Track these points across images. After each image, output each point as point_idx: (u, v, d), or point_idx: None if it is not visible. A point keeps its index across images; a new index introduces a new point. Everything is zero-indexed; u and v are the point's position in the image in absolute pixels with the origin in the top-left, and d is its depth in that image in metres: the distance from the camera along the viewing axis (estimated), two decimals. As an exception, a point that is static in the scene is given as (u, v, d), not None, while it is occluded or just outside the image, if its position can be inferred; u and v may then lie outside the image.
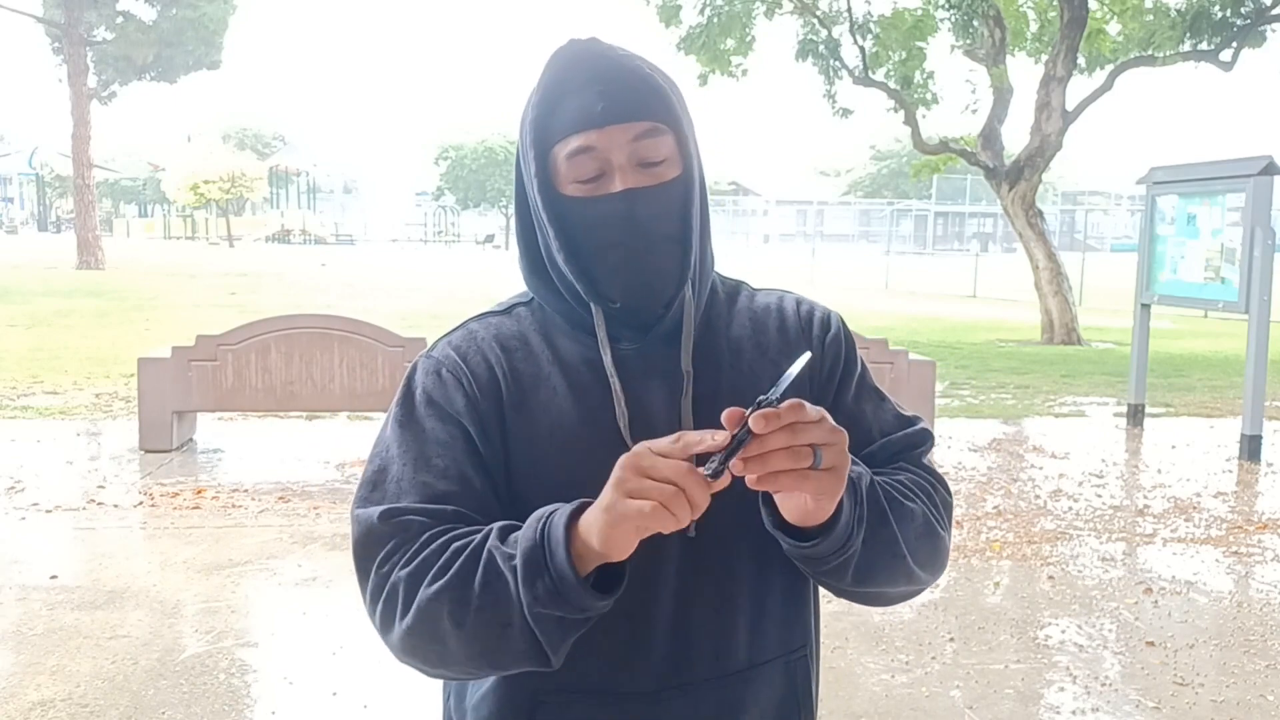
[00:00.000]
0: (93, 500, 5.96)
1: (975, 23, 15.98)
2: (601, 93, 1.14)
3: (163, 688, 3.62)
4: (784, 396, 0.97)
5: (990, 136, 16.30)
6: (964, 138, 16.88)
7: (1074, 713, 3.56)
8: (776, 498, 1.04)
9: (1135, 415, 8.70)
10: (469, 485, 1.14)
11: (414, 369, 1.22)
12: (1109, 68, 16.23)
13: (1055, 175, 49.16)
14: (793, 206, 69.73)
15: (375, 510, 1.13)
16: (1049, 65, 15.37)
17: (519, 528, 1.08)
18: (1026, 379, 11.45)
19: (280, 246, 44.77)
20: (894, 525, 1.14)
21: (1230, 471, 7.17)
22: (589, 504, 1.03)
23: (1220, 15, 15.21)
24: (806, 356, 1.02)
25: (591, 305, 1.18)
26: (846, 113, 17.10)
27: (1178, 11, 15.79)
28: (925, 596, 4.49)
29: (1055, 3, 15.64)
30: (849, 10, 16.65)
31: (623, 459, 0.98)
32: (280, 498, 6.06)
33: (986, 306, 22.22)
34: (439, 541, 1.09)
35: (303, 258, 33.32)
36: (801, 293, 1.34)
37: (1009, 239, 39.14)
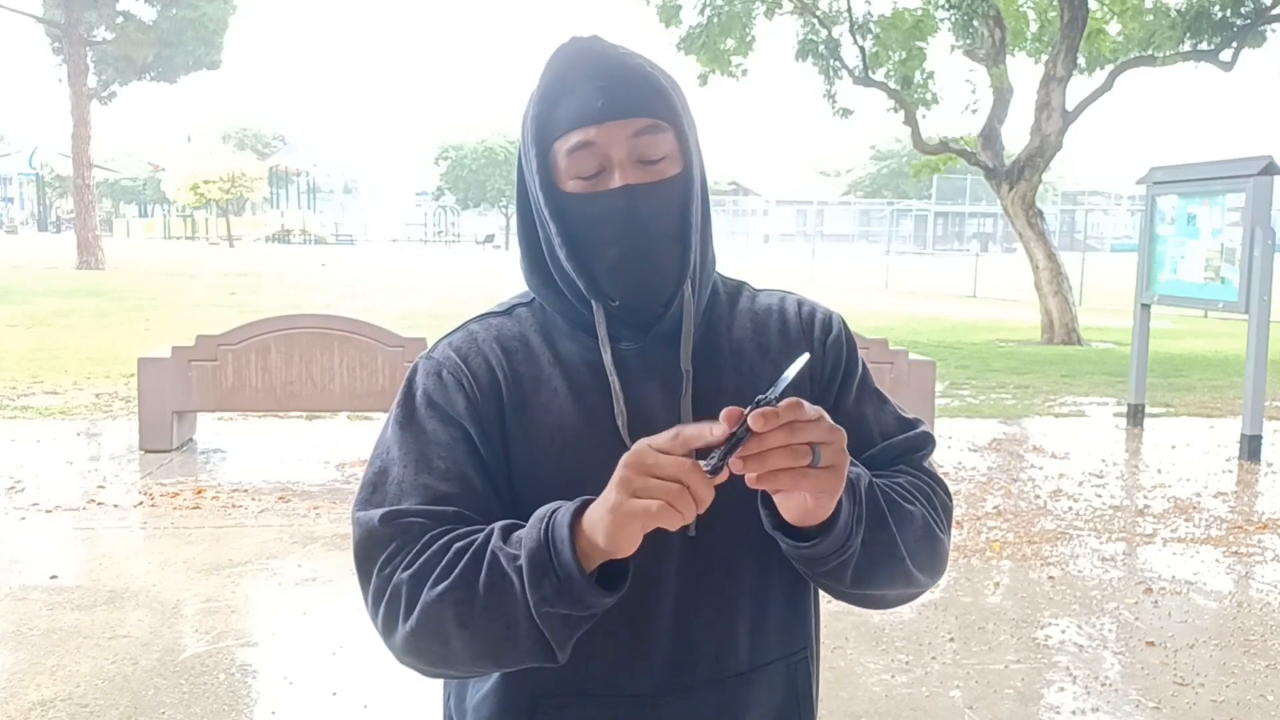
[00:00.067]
0: (93, 500, 5.96)
1: (975, 23, 15.98)
2: (602, 89, 1.14)
3: (163, 688, 3.62)
4: (783, 396, 0.97)
5: (990, 136, 16.30)
6: (964, 138, 16.88)
7: (1074, 713, 3.56)
8: (776, 498, 1.04)
9: (1135, 415, 8.70)
10: (470, 487, 1.14)
11: (414, 370, 1.22)
12: (1109, 68, 16.23)
13: (1055, 175, 49.16)
14: (793, 206, 69.73)
15: (376, 513, 1.13)
16: (1049, 65, 15.37)
17: (521, 527, 1.08)
18: (1026, 379, 11.45)
19: (280, 246, 44.77)
20: (893, 527, 1.14)
21: (1230, 471, 7.18)
22: (591, 501, 1.03)
23: (1220, 15, 15.21)
24: (805, 357, 1.02)
25: (592, 303, 1.17)
26: (846, 113, 17.11)
27: (1178, 11, 15.79)
28: (925, 596, 4.48)
29: (1055, 3, 15.64)
30: (849, 10, 16.65)
31: (625, 458, 0.98)
32: (280, 498, 6.06)
33: (986, 306, 22.23)
34: (440, 543, 1.09)
35: (303, 258, 33.32)
36: (802, 293, 1.34)
37: (1009, 239, 39.14)
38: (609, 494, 0.99)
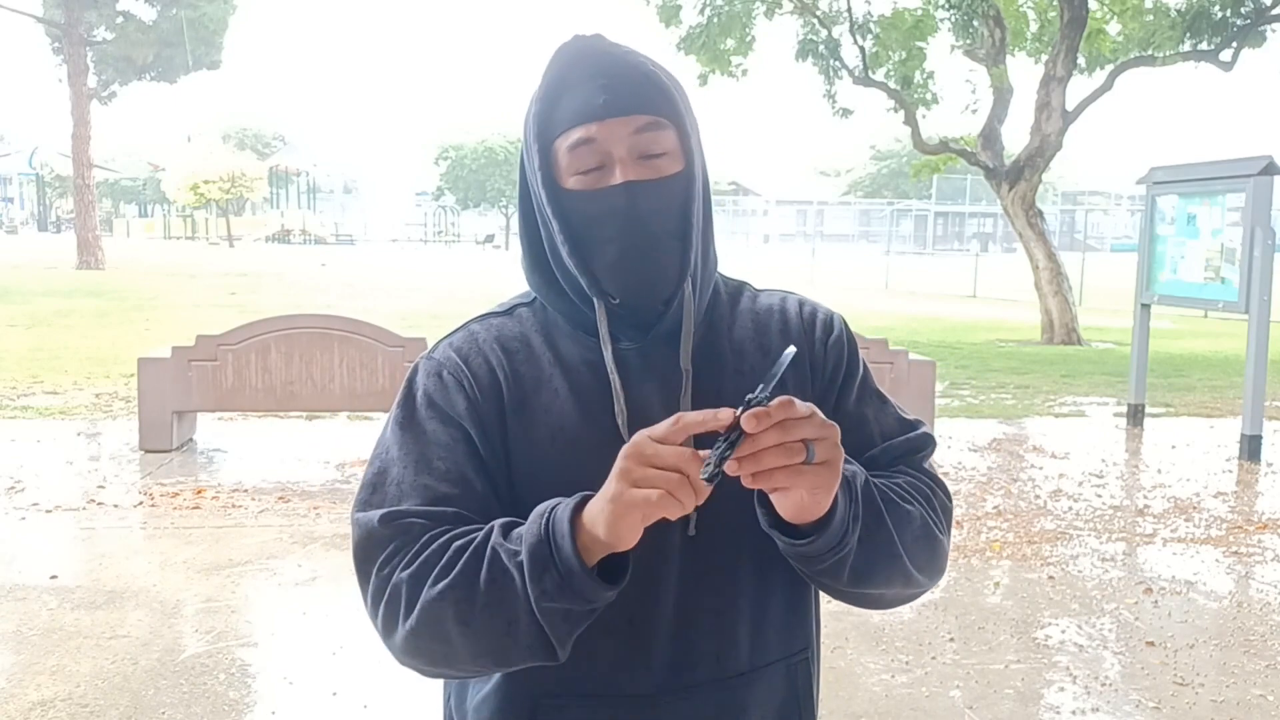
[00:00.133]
0: (93, 500, 5.96)
1: (975, 23, 15.98)
2: (604, 86, 1.14)
3: (163, 688, 3.62)
4: (774, 393, 0.97)
5: (990, 136, 16.30)
6: (964, 138, 16.88)
7: (1074, 713, 3.56)
8: (773, 496, 1.04)
9: (1135, 415, 8.70)
10: (470, 487, 1.14)
11: (415, 370, 1.22)
12: (1109, 68, 16.23)
13: (1055, 175, 49.16)
14: (793, 206, 69.73)
15: (375, 514, 1.13)
16: (1049, 65, 15.37)
17: (520, 524, 1.08)
18: (1026, 379, 11.45)
19: (280, 246, 44.77)
20: (890, 525, 1.14)
21: (1230, 471, 7.18)
22: (590, 496, 1.03)
23: (1220, 15, 15.21)
24: (792, 351, 1.03)
25: (594, 301, 1.17)
26: (846, 113, 17.11)
27: (1178, 11, 15.79)
28: (925, 596, 4.49)
29: (1055, 3, 15.64)
30: (849, 10, 16.65)
31: (625, 449, 0.99)
32: (280, 498, 6.06)
33: (986, 306, 22.23)
34: (439, 542, 1.09)
35: (303, 258, 33.33)
36: (803, 293, 1.34)
37: (1009, 239, 39.14)
38: (609, 485, 0.99)
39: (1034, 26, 17.42)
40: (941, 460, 7.10)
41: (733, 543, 1.18)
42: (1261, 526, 5.83)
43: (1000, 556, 5.23)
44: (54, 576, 4.73)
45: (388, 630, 1.11)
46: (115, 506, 5.86)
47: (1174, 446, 7.93)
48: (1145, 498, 6.46)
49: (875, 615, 4.19)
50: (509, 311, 1.26)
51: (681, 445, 0.97)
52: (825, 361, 1.26)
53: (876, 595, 1.19)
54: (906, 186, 57.45)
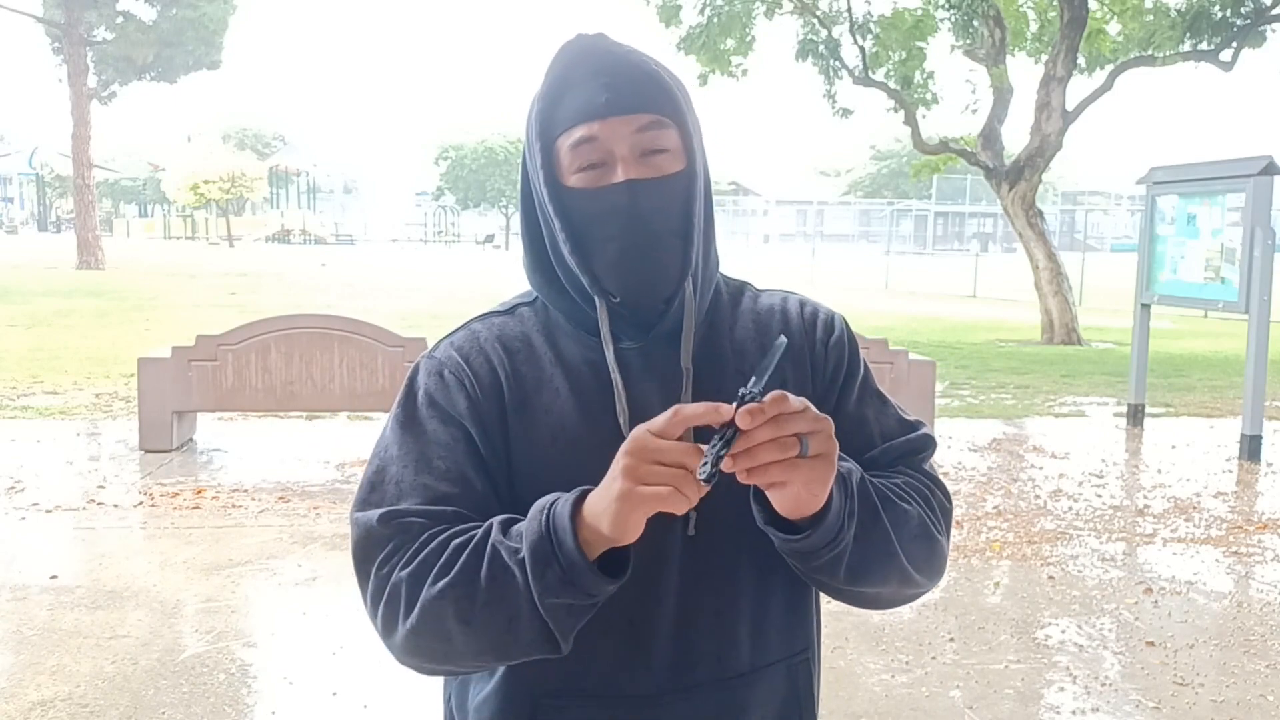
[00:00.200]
0: (93, 500, 5.96)
1: (975, 23, 15.98)
2: (606, 85, 1.14)
3: (163, 688, 3.62)
4: (767, 386, 0.98)
5: (990, 136, 16.30)
6: (964, 138, 16.88)
7: (1074, 713, 3.56)
8: (768, 492, 1.04)
9: (1135, 415, 8.70)
10: (470, 487, 1.14)
11: (416, 369, 1.22)
12: (1109, 68, 16.23)
13: (1055, 175, 49.16)
14: (793, 206, 69.73)
15: (374, 513, 1.13)
16: (1049, 65, 15.37)
17: (519, 520, 1.08)
18: (1026, 379, 11.45)
19: (280, 246, 44.77)
20: (886, 522, 1.14)
21: (1230, 471, 7.18)
22: (589, 490, 1.03)
23: (1220, 15, 15.21)
24: (783, 342, 1.03)
25: (596, 300, 1.17)
26: (846, 113, 17.11)
27: (1178, 11, 15.79)
28: (925, 596, 4.49)
29: (1055, 3, 15.64)
30: (849, 10, 16.65)
31: (626, 445, 0.99)
32: (280, 498, 6.06)
33: (986, 306, 22.23)
34: (438, 540, 1.10)
35: (303, 258, 33.33)
36: (804, 294, 1.34)
37: (1009, 239, 39.14)
38: (614, 482, 0.99)
39: (1034, 26, 17.43)
40: (941, 460, 7.10)
41: (733, 543, 1.18)
42: (1261, 526, 5.83)
43: (1000, 556, 5.23)
44: (54, 576, 4.73)
45: (388, 629, 1.11)
46: (115, 506, 5.86)
47: (1174, 446, 7.93)
48: (1145, 498, 6.46)
49: (875, 615, 4.19)
50: (510, 311, 1.26)
51: (680, 438, 0.98)
52: (826, 362, 1.26)
53: (874, 594, 1.19)
54: (906, 186, 57.45)
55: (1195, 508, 6.18)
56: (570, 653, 1.09)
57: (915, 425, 1.29)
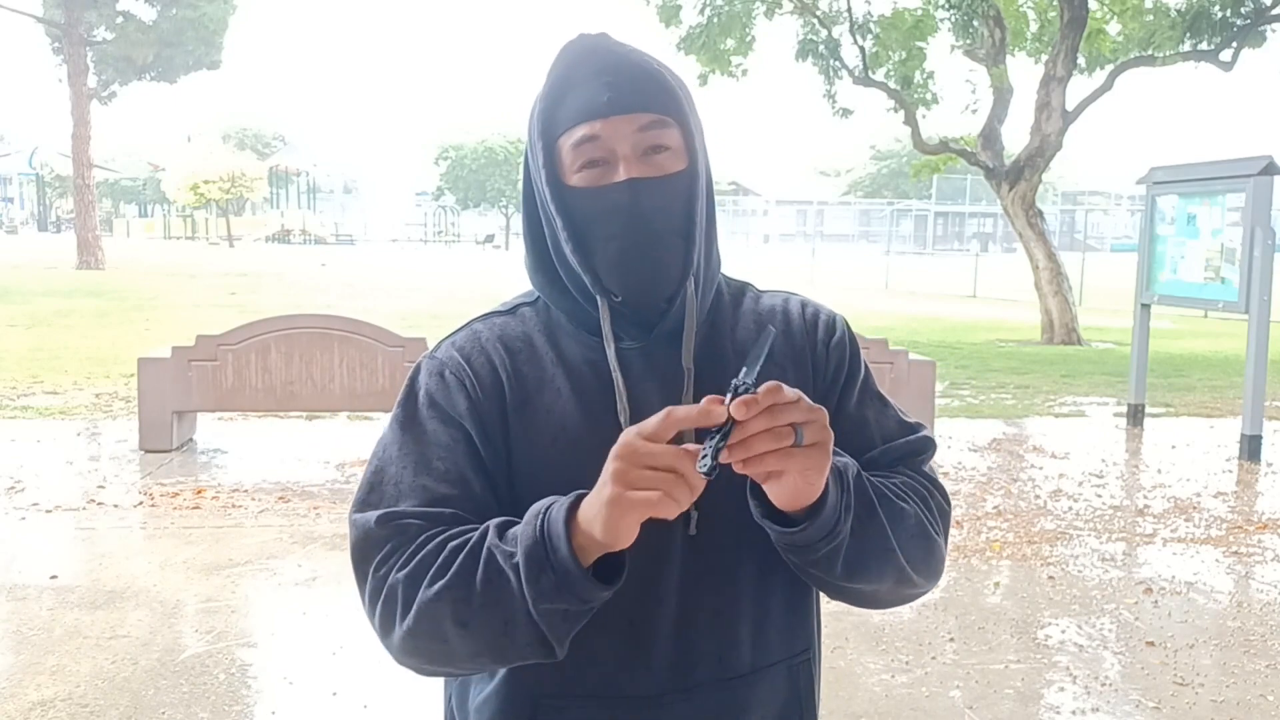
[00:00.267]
0: (93, 500, 5.96)
1: (975, 23, 15.98)
2: (608, 84, 1.14)
3: (163, 688, 3.62)
4: (759, 379, 0.98)
5: (990, 136, 16.30)
6: (964, 138, 16.88)
7: (1074, 713, 3.56)
8: (765, 484, 1.04)
9: (1135, 415, 8.70)
10: (468, 488, 1.14)
11: (417, 370, 1.22)
12: (1109, 68, 16.23)
13: (1055, 175, 49.17)
14: (793, 206, 69.73)
15: (372, 514, 1.13)
16: (1049, 65, 15.37)
17: (516, 524, 1.08)
18: (1026, 379, 11.45)
19: (280, 246, 44.77)
20: (883, 518, 1.14)
21: (1230, 471, 7.18)
22: (585, 495, 1.03)
23: (1220, 15, 15.21)
24: (772, 332, 1.04)
25: (597, 299, 1.17)
26: (846, 113, 17.11)
27: (1178, 11, 15.79)
28: (925, 596, 4.49)
29: (1055, 3, 15.64)
30: (849, 10, 16.65)
31: (616, 449, 0.98)
32: (280, 498, 6.06)
33: (986, 306, 22.23)
34: (435, 542, 1.10)
35: (303, 258, 33.33)
36: (805, 294, 1.34)
37: (1009, 239, 39.14)
38: (604, 488, 0.99)
39: (1034, 26, 17.43)
40: (941, 460, 7.10)
41: (734, 542, 1.18)
42: (1261, 526, 5.83)
43: (1000, 556, 5.23)
44: (54, 576, 4.73)
45: (385, 630, 1.12)
46: (115, 506, 5.86)
47: (1174, 446, 7.93)
48: (1145, 498, 6.46)
49: (875, 615, 4.19)
50: (512, 310, 1.26)
51: (672, 440, 0.97)
52: (827, 363, 1.26)
53: (871, 592, 1.19)
54: (906, 186, 57.45)
55: (1195, 508, 6.18)
56: (571, 653, 1.09)
57: (915, 427, 1.29)
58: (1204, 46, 15.71)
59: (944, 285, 26.57)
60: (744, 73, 17.41)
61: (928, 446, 1.27)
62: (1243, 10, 15.18)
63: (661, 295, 1.18)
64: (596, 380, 1.18)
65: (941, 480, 1.28)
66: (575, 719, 1.18)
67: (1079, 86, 15.94)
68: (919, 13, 16.16)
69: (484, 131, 55.23)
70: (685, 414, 0.97)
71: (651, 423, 0.97)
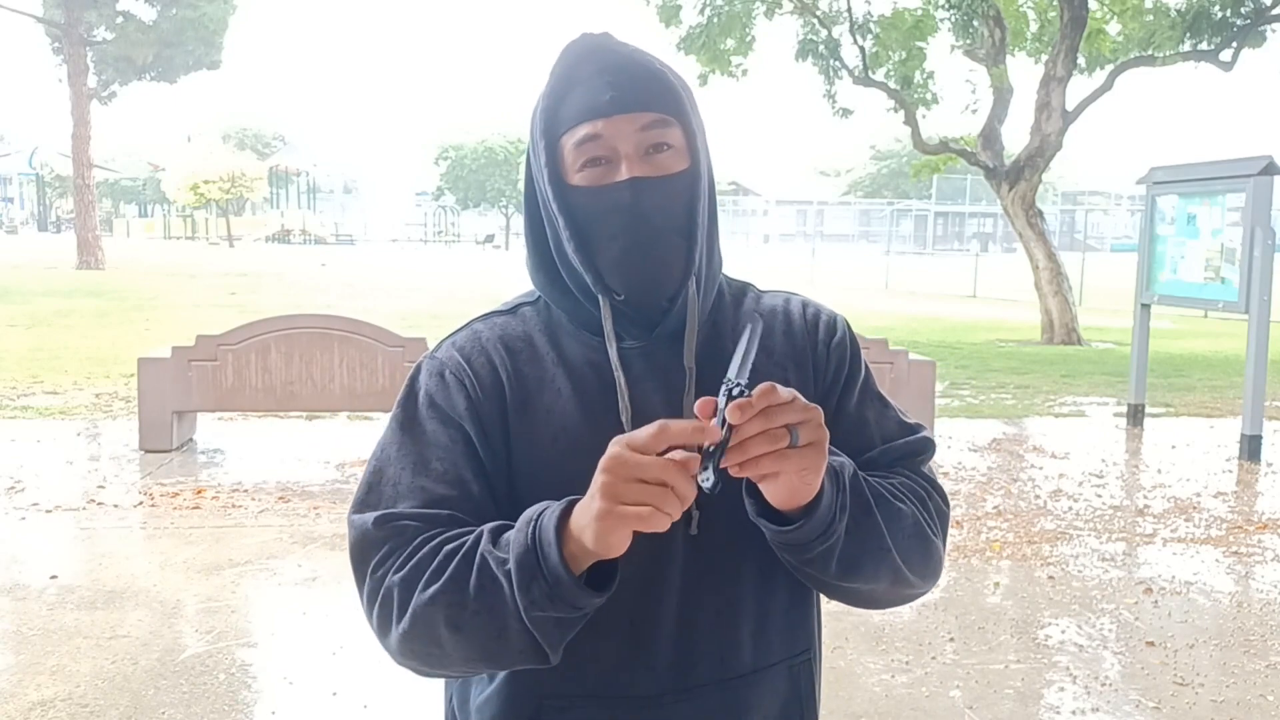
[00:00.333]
0: (93, 500, 5.96)
1: (975, 23, 15.98)
2: (611, 83, 1.14)
3: (163, 688, 3.62)
4: (753, 379, 0.98)
5: (990, 136, 16.30)
6: (964, 138, 16.88)
7: (1074, 713, 3.56)
8: (762, 485, 1.04)
9: (1135, 415, 8.70)
10: (467, 490, 1.14)
11: (417, 370, 1.22)
12: (1109, 68, 16.23)
13: (1055, 175, 49.17)
14: (793, 206, 69.73)
15: (370, 515, 1.13)
16: (1049, 65, 15.37)
17: (511, 528, 1.08)
18: (1026, 379, 11.45)
19: (280, 246, 44.77)
20: (878, 517, 1.14)
21: (1230, 471, 7.18)
22: (577, 501, 1.03)
23: (1220, 15, 15.21)
24: (759, 325, 1.05)
25: (599, 298, 1.17)
26: (846, 113, 17.10)
27: (1178, 11, 15.79)
28: (925, 597, 4.49)
29: (1055, 3, 15.64)
30: (849, 10, 16.65)
31: (604, 462, 0.97)
32: (280, 498, 6.06)
33: (986, 306, 22.23)
34: (431, 545, 1.10)
35: (303, 258, 33.33)
36: (806, 295, 1.34)
37: (1009, 239, 39.14)
38: (593, 501, 0.98)
39: (1034, 26, 17.43)
40: (941, 460, 7.10)
41: (735, 543, 1.18)
42: (1261, 526, 5.83)
43: (1000, 556, 5.23)
44: (54, 576, 4.73)
45: (382, 631, 1.12)
46: (115, 506, 5.86)
47: (1174, 446, 7.93)
48: (1145, 498, 6.46)
49: (875, 615, 4.19)
50: (513, 310, 1.26)
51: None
52: (827, 363, 1.26)
53: (867, 591, 1.19)
54: (906, 186, 57.45)
55: (1195, 508, 6.18)
56: (572, 653, 1.09)
57: (915, 428, 1.29)
58: (1204, 46, 15.71)
59: (944, 285, 26.57)
60: (744, 73, 17.41)
61: (927, 447, 1.27)
62: (1243, 10, 15.18)
63: (663, 295, 1.18)
64: (597, 380, 1.18)
65: (941, 480, 1.28)
66: (576, 719, 1.18)
67: (1079, 86, 15.96)
68: (919, 13, 16.16)
69: (484, 131, 55.23)
70: (680, 430, 0.95)
71: (643, 435, 0.96)
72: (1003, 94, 16.35)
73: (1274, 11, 15.34)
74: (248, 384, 7.21)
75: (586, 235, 1.17)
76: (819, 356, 1.26)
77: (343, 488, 6.30)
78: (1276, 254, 7.47)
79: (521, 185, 1.26)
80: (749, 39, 17.07)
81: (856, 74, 16.54)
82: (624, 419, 1.15)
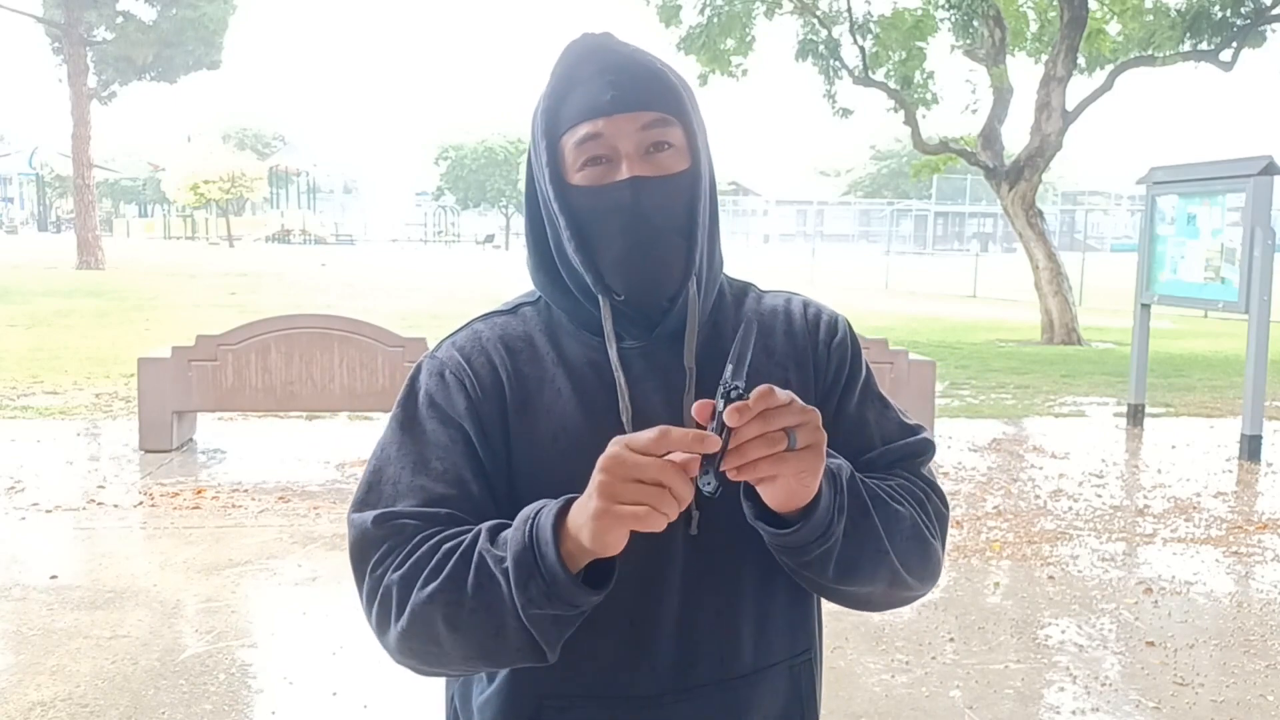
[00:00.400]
0: (93, 500, 5.96)
1: (975, 23, 15.98)
2: (611, 82, 1.14)
3: (163, 688, 3.62)
4: (753, 380, 0.98)
5: (990, 136, 16.30)
6: (964, 138, 16.88)
7: (1074, 713, 3.56)
8: (759, 488, 1.04)
9: (1135, 415, 8.70)
10: (466, 489, 1.14)
11: (418, 370, 1.22)
12: (1109, 68, 16.23)
13: (1055, 175, 49.17)
14: (793, 206, 69.74)
15: (370, 514, 1.14)
16: (1049, 65, 15.37)
17: (509, 526, 1.08)
18: (1026, 379, 11.45)
19: (280, 246, 44.77)
20: (876, 519, 1.14)
21: (1230, 471, 7.18)
22: (575, 499, 1.03)
23: (1220, 15, 15.21)
24: (753, 326, 1.04)
25: (599, 298, 1.17)
26: (846, 113, 17.10)
27: (1178, 11, 15.79)
28: (925, 597, 4.48)
29: (1055, 3, 15.64)
30: (849, 10, 16.65)
31: (602, 461, 0.98)
32: (280, 498, 6.06)
33: (986, 306, 22.23)
34: (430, 543, 1.10)
35: (303, 258, 33.32)
36: (806, 295, 1.34)
37: (1009, 239, 39.14)
38: (590, 500, 0.98)
39: (1034, 26, 17.43)
40: (941, 460, 7.10)
41: (735, 543, 1.17)
42: (1261, 526, 5.83)
43: (1000, 556, 5.23)
44: (54, 576, 4.73)
45: (381, 630, 1.12)
46: (115, 506, 5.86)
47: (1174, 446, 7.93)
48: (1145, 498, 6.46)
49: (875, 616, 4.19)
50: (513, 310, 1.26)
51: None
52: (828, 363, 1.26)
53: (865, 594, 1.18)
54: (906, 186, 57.45)
55: (1195, 508, 6.18)
56: (572, 653, 1.09)
57: (915, 429, 1.28)
58: (1204, 46, 15.71)
59: (944, 285, 26.57)
60: (744, 73, 17.41)
61: (927, 449, 1.27)
62: (1243, 10, 15.18)
63: (664, 294, 1.18)
64: (597, 380, 1.18)
65: (941, 480, 1.28)
66: (577, 718, 1.18)
67: (1079, 86, 15.96)
68: (919, 13, 16.16)
69: (484, 131, 55.25)
70: (680, 437, 0.96)
71: (643, 439, 0.96)
72: (1003, 94, 16.36)
73: (1274, 11, 15.34)
74: (248, 384, 7.21)
75: (587, 235, 1.17)
76: (820, 357, 1.26)
77: (343, 488, 6.30)
78: (1276, 254, 7.47)
79: (522, 185, 1.26)
80: (749, 39, 17.07)
81: (856, 74, 16.54)
82: (624, 419, 1.15)
